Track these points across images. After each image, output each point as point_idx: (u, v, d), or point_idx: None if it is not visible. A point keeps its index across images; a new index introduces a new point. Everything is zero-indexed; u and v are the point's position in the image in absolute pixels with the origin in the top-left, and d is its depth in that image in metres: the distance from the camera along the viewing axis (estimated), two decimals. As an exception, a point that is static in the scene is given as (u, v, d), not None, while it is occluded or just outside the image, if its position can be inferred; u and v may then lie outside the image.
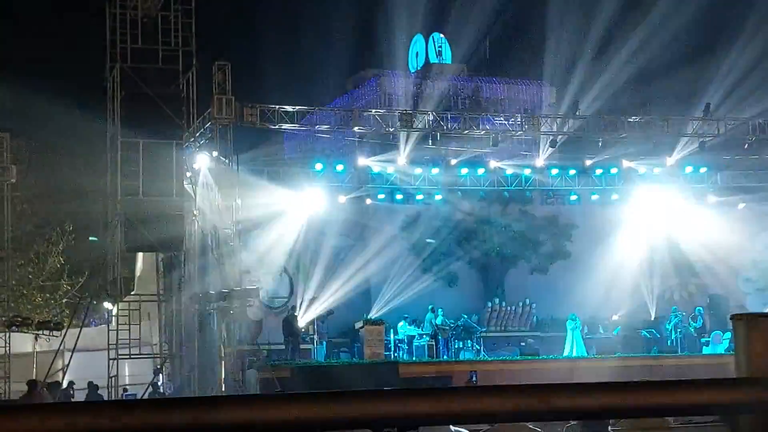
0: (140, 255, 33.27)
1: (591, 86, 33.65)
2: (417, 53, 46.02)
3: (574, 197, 35.73)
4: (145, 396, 28.01)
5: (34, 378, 27.70)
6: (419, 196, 34.60)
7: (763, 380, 3.69)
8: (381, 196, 34.08)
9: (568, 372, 28.48)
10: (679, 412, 3.74)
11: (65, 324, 30.50)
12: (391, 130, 31.65)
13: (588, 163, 33.82)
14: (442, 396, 3.34)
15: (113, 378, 28.55)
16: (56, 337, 28.76)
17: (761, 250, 35.33)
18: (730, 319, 3.76)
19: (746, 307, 33.80)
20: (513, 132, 32.40)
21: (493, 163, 33.46)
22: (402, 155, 32.28)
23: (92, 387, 27.46)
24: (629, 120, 32.36)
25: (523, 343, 32.47)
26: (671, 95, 36.78)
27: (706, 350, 31.67)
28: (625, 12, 35.03)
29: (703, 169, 34.93)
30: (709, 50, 35.50)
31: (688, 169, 34.74)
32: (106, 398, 27.53)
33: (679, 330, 32.26)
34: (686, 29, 36.63)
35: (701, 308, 33.16)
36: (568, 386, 4.01)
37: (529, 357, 30.49)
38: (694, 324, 32.19)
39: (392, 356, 30.30)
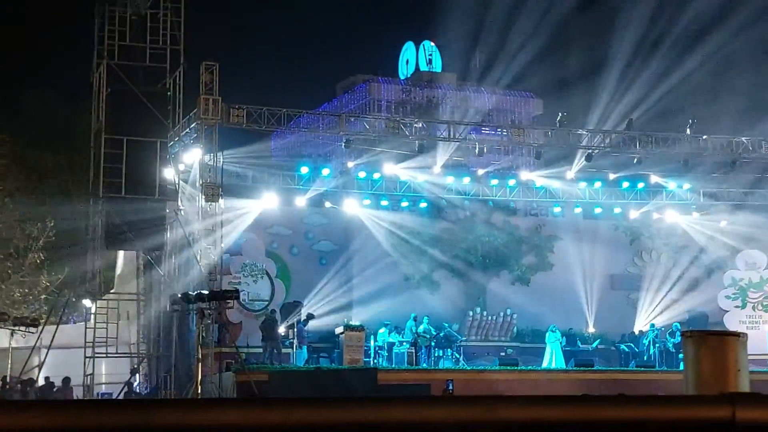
0: (121, 253, 33.13)
1: (579, 99, 33.71)
2: (407, 60, 46.02)
3: (557, 209, 35.82)
4: (121, 395, 27.88)
5: (8, 374, 27.56)
6: (404, 203, 34.58)
7: (711, 398, 3.64)
8: (366, 202, 34.03)
9: (547, 383, 28.50)
10: (626, 428, 3.70)
11: (42, 320, 30.33)
12: (378, 136, 31.65)
13: (571, 175, 33.87)
14: (382, 405, 3.28)
15: (89, 376, 28.40)
16: (33, 333, 28.59)
17: (742, 267, 35.44)
18: (681, 336, 3.72)
19: (724, 324, 33.91)
20: (499, 142, 32.46)
21: (479, 173, 33.52)
22: (389, 162, 32.34)
23: (65, 382, 27.33)
24: (614, 133, 32.48)
25: (502, 353, 32.47)
26: (659, 110, 36.86)
27: (683, 366, 31.67)
28: (614, 28, 35.10)
29: (686, 185, 35.08)
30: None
31: (672, 185, 34.96)
32: (80, 396, 27.39)
33: (656, 345, 32.33)
34: (670, 46, 36.67)
35: (678, 324, 33.24)
36: (517, 398, 3.96)
37: (509, 367, 30.45)
38: (672, 340, 32.24)
39: (372, 363, 30.20)
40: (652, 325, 33.40)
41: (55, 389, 27.34)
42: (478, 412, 3.58)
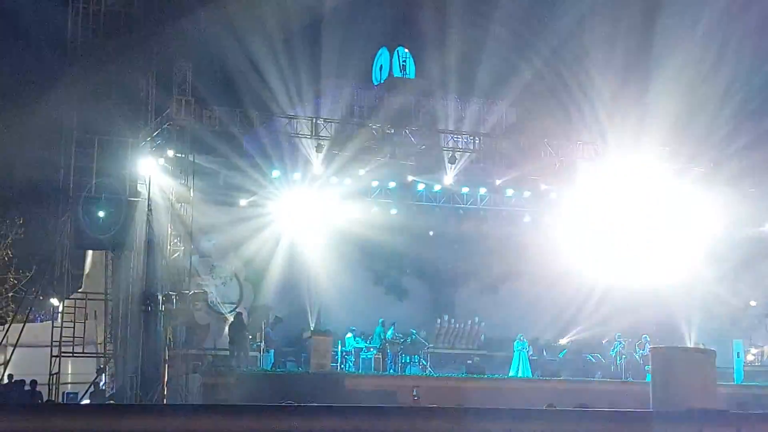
0: (90, 252, 32.93)
1: (549, 107, 33.84)
2: (381, 66, 45.98)
3: (527, 219, 35.91)
4: (86, 395, 27.72)
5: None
6: (375, 209, 34.56)
7: (679, 414, 3.69)
8: (337, 207, 33.96)
9: (513, 392, 28.54)
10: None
11: (9, 318, 30.13)
12: (350, 141, 31.67)
13: (543, 187, 33.98)
14: (348, 414, 3.30)
15: (54, 375, 28.22)
16: (-1, 330, 28.42)
17: (710, 282, 35.61)
18: (649, 351, 3.75)
19: (691, 337, 34.10)
20: (470, 150, 32.56)
21: (449, 180, 33.56)
22: (361, 167, 32.33)
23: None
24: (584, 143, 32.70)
25: (469, 361, 32.54)
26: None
27: (649, 377, 31.80)
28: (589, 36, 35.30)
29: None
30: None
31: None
32: (45, 396, 27.19)
33: (623, 356, 32.47)
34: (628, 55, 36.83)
35: (647, 336, 33.40)
36: (485, 411, 4.00)
37: (475, 375, 30.52)
38: (641, 351, 32.40)
39: (339, 368, 30.19)
40: (618, 336, 33.55)
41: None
42: (444, 424, 3.61)
